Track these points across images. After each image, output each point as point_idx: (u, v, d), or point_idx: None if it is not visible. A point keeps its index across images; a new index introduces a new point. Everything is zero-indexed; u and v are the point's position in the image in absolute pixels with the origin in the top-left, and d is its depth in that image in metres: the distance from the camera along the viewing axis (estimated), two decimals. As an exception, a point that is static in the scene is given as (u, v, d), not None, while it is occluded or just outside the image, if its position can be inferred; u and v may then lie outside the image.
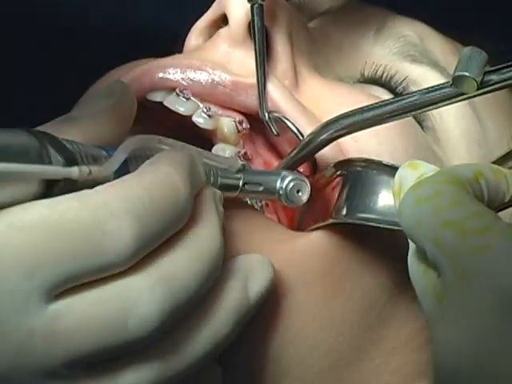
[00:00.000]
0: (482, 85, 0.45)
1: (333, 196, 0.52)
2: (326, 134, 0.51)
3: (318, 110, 0.55)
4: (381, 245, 0.53)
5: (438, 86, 0.47)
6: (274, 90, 0.53)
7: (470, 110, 0.58)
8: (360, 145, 0.53)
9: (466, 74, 0.44)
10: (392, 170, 0.48)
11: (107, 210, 0.38)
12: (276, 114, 0.53)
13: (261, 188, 0.51)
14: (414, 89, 0.57)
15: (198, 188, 0.44)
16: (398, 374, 0.55)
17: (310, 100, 0.55)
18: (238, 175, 0.50)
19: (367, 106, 0.50)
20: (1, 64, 0.80)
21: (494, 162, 0.48)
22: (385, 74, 0.58)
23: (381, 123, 0.49)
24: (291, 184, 0.51)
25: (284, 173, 0.51)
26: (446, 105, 0.47)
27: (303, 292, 0.51)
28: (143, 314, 0.39)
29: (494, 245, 0.37)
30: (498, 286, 0.36)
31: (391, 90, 0.58)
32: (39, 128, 0.43)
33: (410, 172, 0.46)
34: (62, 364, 0.38)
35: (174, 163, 0.42)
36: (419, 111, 0.48)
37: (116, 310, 0.38)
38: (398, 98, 0.49)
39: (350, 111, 0.50)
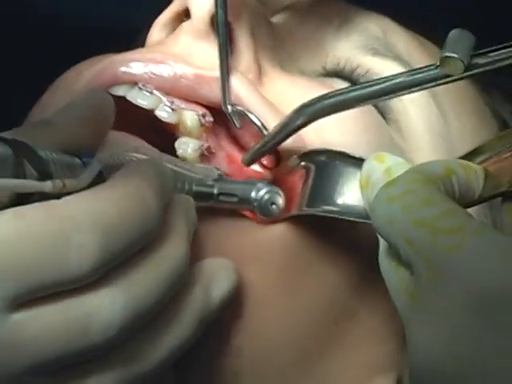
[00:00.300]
0: (468, 67, 0.44)
1: (297, 187, 0.52)
2: (301, 118, 0.50)
3: (281, 103, 0.55)
4: (345, 238, 0.53)
5: (423, 67, 0.46)
6: (237, 83, 0.53)
7: (433, 103, 0.58)
8: (323, 138, 0.53)
9: (454, 55, 0.44)
10: (358, 162, 0.49)
11: (74, 223, 0.38)
12: (239, 108, 0.53)
13: (235, 199, 0.51)
14: None
15: (168, 198, 0.44)
16: (364, 368, 0.55)
17: (272, 94, 0.55)
18: (213, 185, 0.50)
19: (348, 88, 0.49)
20: (1, 64, 0.81)
21: (463, 157, 0.48)
22: (347, 67, 0.58)
23: (362, 104, 0.49)
24: (266, 196, 0.51)
25: (259, 184, 0.52)
26: (431, 87, 0.46)
27: (265, 286, 0.51)
28: (104, 321, 0.39)
29: (466, 244, 0.37)
30: (470, 285, 0.36)
31: (353, 82, 0.57)
32: (17, 129, 0.44)
33: (376, 164, 0.46)
34: (25, 371, 0.39)
35: (146, 176, 0.42)
36: (404, 93, 0.47)
37: (78, 317, 0.39)
38: (382, 79, 0.48)
39: (331, 92, 0.49)
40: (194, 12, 0.54)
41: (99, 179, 0.42)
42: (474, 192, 0.45)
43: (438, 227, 0.38)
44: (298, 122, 0.50)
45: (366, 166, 0.47)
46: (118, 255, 0.40)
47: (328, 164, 0.50)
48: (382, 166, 0.46)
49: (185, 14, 0.56)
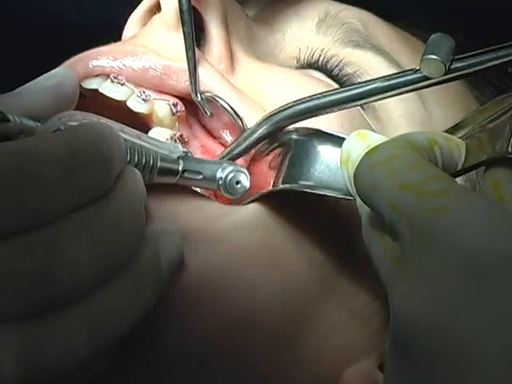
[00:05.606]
0: (449, 71, 0.45)
1: (273, 166, 0.52)
2: (277, 120, 0.51)
3: (252, 90, 0.55)
4: (322, 217, 0.53)
5: (401, 72, 0.47)
6: (205, 74, 0.54)
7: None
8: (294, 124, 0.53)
9: (436, 57, 0.45)
10: (337, 139, 0.49)
11: (28, 155, 0.38)
12: (208, 94, 0.54)
13: (200, 176, 0.51)
14: (349, 71, 0.58)
15: (120, 165, 0.44)
16: (342, 351, 0.55)
17: (244, 81, 0.56)
18: (179, 161, 0.51)
19: (322, 93, 0.50)
20: (1, 64, 0.82)
21: (446, 131, 0.48)
22: (321, 58, 0.59)
23: (335, 110, 0.50)
24: (231, 175, 0.52)
25: (225, 163, 0.52)
26: (409, 91, 0.47)
27: (237, 268, 0.51)
28: (69, 259, 0.39)
29: (452, 206, 0.37)
30: (456, 247, 0.36)
31: (327, 72, 0.58)
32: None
33: (358, 141, 0.46)
34: None
35: (92, 126, 0.43)
36: (380, 97, 0.48)
37: (42, 255, 0.39)
38: (357, 85, 0.49)
39: (303, 98, 0.50)
40: (163, 5, 0.55)
41: None
42: (457, 163, 0.45)
43: (424, 190, 0.38)
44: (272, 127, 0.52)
45: (347, 142, 0.47)
46: (77, 174, 0.40)
47: (307, 142, 0.50)
48: (364, 143, 0.46)
49: (157, 8, 0.57)
